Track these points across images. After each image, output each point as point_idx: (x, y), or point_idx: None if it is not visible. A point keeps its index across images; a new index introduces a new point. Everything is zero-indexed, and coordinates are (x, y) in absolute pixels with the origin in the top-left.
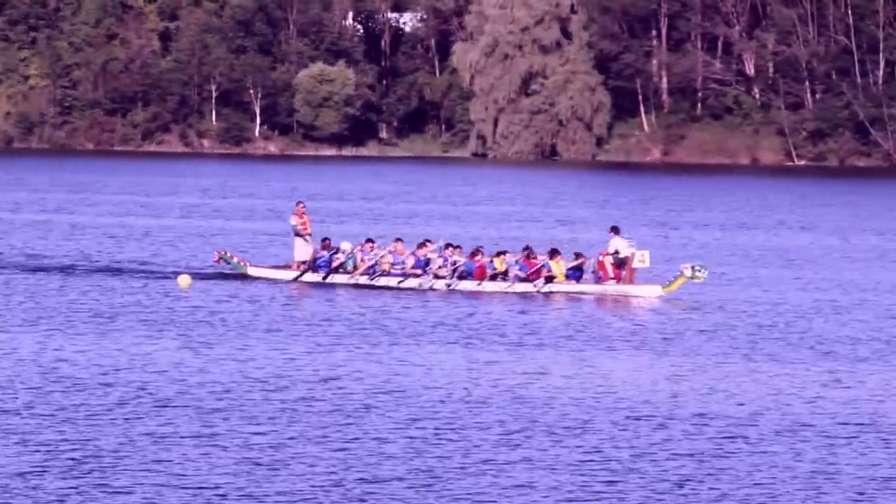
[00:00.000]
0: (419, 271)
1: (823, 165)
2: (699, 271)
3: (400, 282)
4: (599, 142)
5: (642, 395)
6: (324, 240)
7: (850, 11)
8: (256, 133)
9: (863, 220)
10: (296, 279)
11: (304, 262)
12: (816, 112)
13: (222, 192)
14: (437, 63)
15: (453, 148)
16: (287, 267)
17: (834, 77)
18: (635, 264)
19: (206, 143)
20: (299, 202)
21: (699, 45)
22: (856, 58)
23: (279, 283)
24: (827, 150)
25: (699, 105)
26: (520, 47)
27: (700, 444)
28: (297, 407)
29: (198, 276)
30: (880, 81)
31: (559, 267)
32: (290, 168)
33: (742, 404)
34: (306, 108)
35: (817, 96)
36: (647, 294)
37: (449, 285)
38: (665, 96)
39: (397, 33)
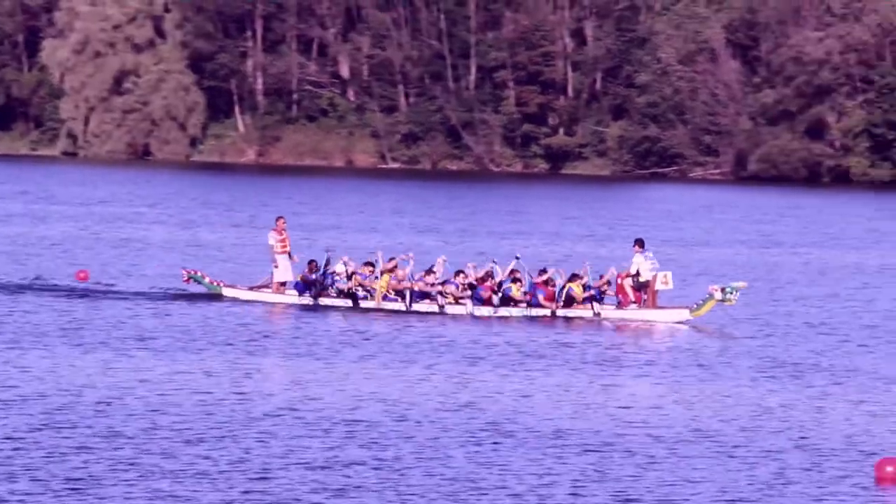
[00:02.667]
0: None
1: (416, 168)
2: (731, 293)
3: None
4: (193, 142)
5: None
6: (310, 262)
7: (442, 17)
8: None
9: (479, 223)
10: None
11: (283, 284)
12: (410, 115)
13: None
14: (25, 60)
15: (42, 146)
16: (266, 287)
17: (427, 81)
18: (658, 286)
19: None
20: (280, 217)
21: (294, 46)
22: (448, 62)
23: (259, 304)
24: (420, 153)
25: (294, 106)
26: (112, 45)
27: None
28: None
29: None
30: (472, 86)
31: (579, 290)
32: None
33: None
34: None
35: (411, 100)
36: (673, 319)
37: (442, 307)
38: (260, 97)
39: None
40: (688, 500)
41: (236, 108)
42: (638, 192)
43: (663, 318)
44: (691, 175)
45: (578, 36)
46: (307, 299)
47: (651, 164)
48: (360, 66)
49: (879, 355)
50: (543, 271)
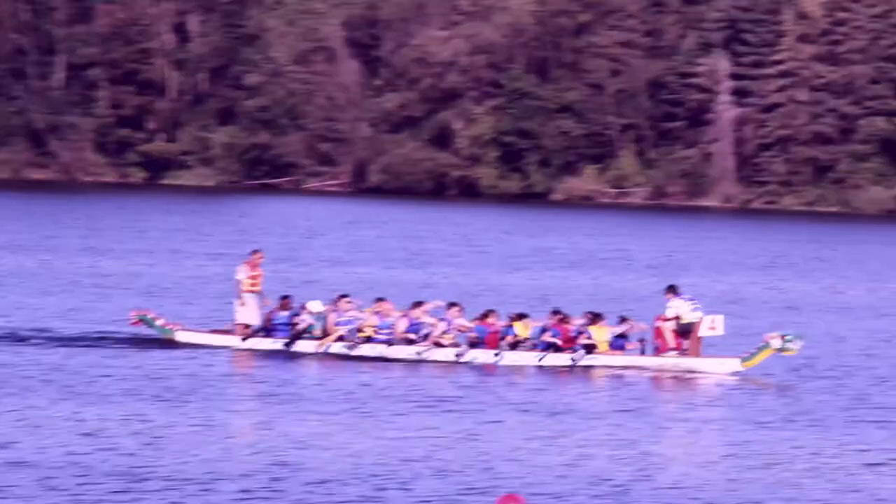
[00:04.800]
0: (412, 336)
1: None
2: (790, 341)
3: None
4: None
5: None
6: (283, 298)
7: (24, 6)
8: None
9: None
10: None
11: (248, 326)
12: None
13: None
14: None
15: None
16: (227, 332)
17: (7, 79)
18: (703, 332)
19: None
20: (256, 251)
21: None
22: (31, 58)
23: (218, 350)
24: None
25: None
26: None
27: None
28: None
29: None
30: (59, 86)
31: (601, 334)
32: None
33: None
34: None
35: None
36: (720, 369)
37: (458, 354)
38: None
39: None
40: None
41: None
42: (253, 205)
43: (709, 368)
44: (306, 186)
45: (181, 31)
46: (277, 344)
47: (262, 173)
48: None
49: (531, 386)
50: (557, 312)
